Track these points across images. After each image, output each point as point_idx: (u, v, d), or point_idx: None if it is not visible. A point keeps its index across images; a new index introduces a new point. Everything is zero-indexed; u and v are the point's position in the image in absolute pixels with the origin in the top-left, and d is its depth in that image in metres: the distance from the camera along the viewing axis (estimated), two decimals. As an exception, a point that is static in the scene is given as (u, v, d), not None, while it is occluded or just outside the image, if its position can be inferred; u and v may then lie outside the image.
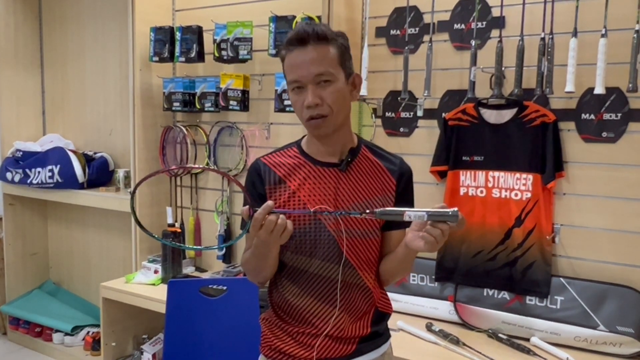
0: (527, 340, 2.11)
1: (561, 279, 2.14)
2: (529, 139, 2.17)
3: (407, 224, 1.48)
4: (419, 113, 2.44)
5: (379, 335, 1.48)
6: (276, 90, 2.61)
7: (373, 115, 2.52)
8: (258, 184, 1.41)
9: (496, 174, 2.25)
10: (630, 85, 1.91)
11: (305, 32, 1.31)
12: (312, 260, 1.38)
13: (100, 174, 3.39)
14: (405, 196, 1.46)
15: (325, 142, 1.39)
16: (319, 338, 1.41)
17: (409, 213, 1.21)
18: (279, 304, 1.46)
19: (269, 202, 1.22)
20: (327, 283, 1.39)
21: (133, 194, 1.33)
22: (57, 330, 3.47)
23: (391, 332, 1.54)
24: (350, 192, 1.39)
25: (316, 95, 1.30)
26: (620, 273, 2.08)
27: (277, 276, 1.46)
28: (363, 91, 2.42)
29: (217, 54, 2.77)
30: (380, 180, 1.43)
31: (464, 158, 2.31)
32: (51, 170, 3.32)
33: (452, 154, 2.32)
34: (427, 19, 2.40)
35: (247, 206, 1.24)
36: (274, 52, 2.61)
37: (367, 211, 1.26)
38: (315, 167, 1.40)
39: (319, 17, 2.44)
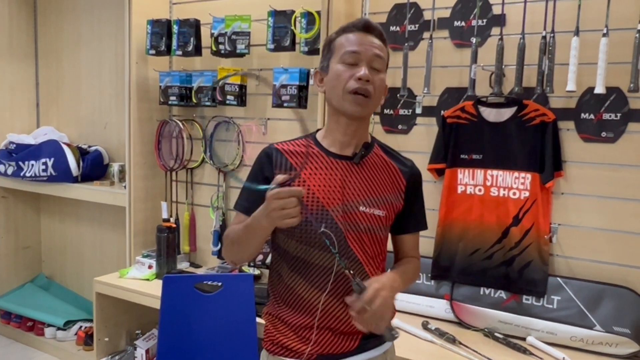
0: (523, 339, 2.11)
1: (558, 278, 2.13)
2: (528, 138, 2.16)
3: (420, 227, 1.52)
4: (418, 110, 2.42)
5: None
6: (274, 86, 2.59)
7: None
8: (266, 167, 1.41)
9: (494, 172, 2.24)
10: (632, 85, 1.91)
11: (373, 24, 1.38)
12: (315, 251, 1.37)
13: (94, 167, 3.36)
14: (415, 197, 1.49)
15: (347, 128, 1.39)
16: (321, 332, 1.40)
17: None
18: (281, 294, 1.45)
19: (301, 190, 1.21)
20: (331, 275, 1.38)
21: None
22: (49, 325, 3.44)
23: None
24: (360, 186, 1.40)
25: (369, 74, 1.33)
26: (618, 273, 2.08)
27: (280, 266, 1.45)
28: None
29: (214, 48, 2.75)
30: (390, 178, 1.45)
31: (462, 156, 2.30)
32: (45, 163, 3.29)
33: (450, 152, 2.31)
34: (427, 15, 2.38)
35: (285, 176, 1.24)
36: (272, 46, 2.59)
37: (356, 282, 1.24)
38: (328, 158, 1.41)
39: (318, 13, 2.42)
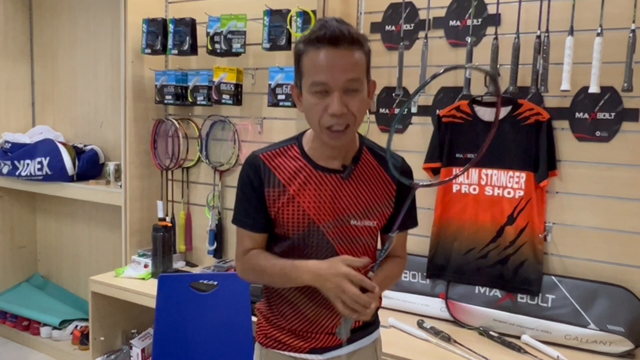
0: (518, 338, 2.12)
1: (552, 277, 2.14)
2: (523, 137, 2.17)
3: (410, 225, 1.49)
4: (413, 110, 2.43)
5: (369, 324, 1.48)
6: (269, 85, 2.59)
7: (367, 111, 2.50)
8: (256, 182, 1.35)
9: (489, 171, 2.25)
10: (625, 84, 1.92)
11: (340, 32, 1.20)
12: None
13: (90, 166, 3.35)
14: (405, 199, 1.42)
15: (332, 148, 1.33)
16: (313, 333, 1.41)
17: None
18: (274, 299, 1.45)
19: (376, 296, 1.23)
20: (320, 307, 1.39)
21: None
22: (44, 324, 3.44)
23: (382, 329, 1.54)
24: (350, 199, 1.36)
25: (343, 104, 1.22)
26: (612, 272, 2.09)
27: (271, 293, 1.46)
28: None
29: (210, 47, 2.74)
30: (381, 186, 1.40)
31: (457, 155, 2.30)
32: (40, 163, 3.28)
33: (445, 151, 2.31)
34: (422, 15, 2.39)
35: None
36: (267, 46, 2.59)
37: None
38: (316, 172, 1.35)
39: (314, 12, 2.42)
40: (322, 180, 1.35)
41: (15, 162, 3.36)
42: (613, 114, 2.05)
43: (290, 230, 1.35)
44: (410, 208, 1.44)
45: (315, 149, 1.36)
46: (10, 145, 3.47)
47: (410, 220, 1.47)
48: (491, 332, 2.14)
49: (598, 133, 2.09)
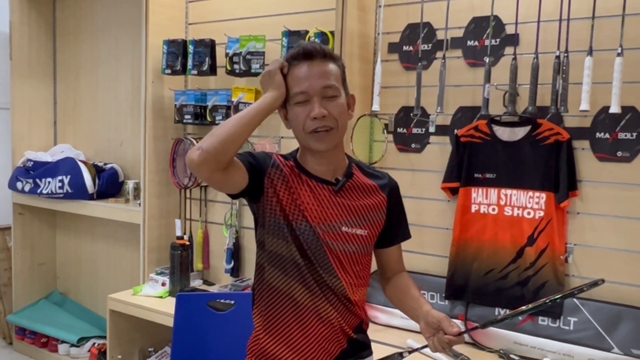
0: (540, 361, 2.08)
1: (574, 299, 2.10)
2: (542, 157, 2.15)
3: (402, 239, 1.55)
4: (431, 129, 2.42)
5: (365, 346, 1.51)
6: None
7: (385, 130, 2.50)
8: (261, 160, 1.42)
9: (509, 191, 2.23)
10: (647, 104, 1.90)
11: (312, 48, 1.37)
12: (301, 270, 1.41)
13: (110, 185, 3.39)
14: (397, 209, 1.52)
15: (321, 158, 1.42)
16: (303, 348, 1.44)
17: None
18: (263, 311, 1.50)
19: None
20: (312, 296, 1.41)
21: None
22: (63, 341, 3.45)
23: (400, 350, 1.53)
24: (341, 209, 1.42)
25: (323, 107, 1.34)
26: (635, 294, 2.05)
27: (264, 293, 1.48)
28: (375, 106, 2.42)
29: (229, 68, 2.78)
30: (372, 197, 1.47)
31: (475, 175, 2.29)
32: (61, 181, 3.33)
33: (464, 171, 2.30)
34: (440, 35, 2.40)
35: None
36: (286, 66, 2.61)
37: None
38: (311, 182, 1.42)
39: (332, 32, 2.44)
40: (317, 189, 1.41)
41: (37, 180, 3.42)
42: (635, 134, 2.03)
43: (283, 215, 1.38)
44: (399, 221, 1.53)
45: (306, 163, 1.44)
46: (32, 163, 3.53)
47: (404, 233, 1.56)
48: (512, 355, 2.10)
49: (619, 153, 2.06)
